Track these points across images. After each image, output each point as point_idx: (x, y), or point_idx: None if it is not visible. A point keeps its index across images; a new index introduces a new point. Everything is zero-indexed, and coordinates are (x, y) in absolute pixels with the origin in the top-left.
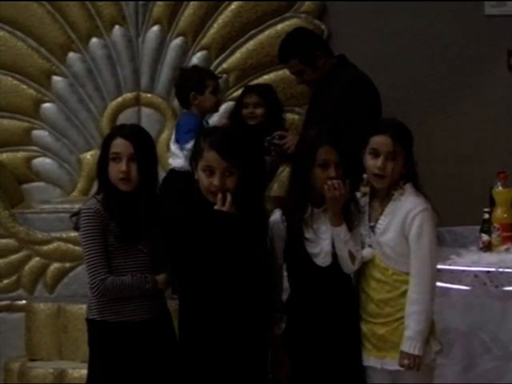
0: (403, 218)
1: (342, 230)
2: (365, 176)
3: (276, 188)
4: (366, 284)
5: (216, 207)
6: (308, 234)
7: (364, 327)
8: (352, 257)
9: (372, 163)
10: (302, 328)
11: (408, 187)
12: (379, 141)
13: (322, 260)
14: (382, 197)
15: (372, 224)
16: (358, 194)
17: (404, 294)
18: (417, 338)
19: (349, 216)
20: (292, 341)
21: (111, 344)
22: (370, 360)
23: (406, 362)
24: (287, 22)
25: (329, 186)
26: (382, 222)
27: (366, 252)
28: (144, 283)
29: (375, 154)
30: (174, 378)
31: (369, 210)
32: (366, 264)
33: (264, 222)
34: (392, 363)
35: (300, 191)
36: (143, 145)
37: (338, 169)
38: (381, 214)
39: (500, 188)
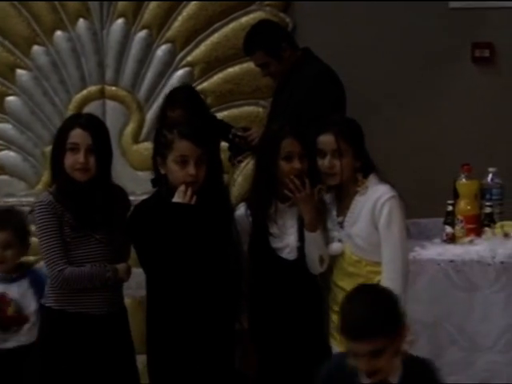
0: (372, 207)
1: (318, 236)
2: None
3: (241, 181)
4: (338, 278)
5: (175, 199)
6: (273, 229)
7: (336, 319)
8: (322, 260)
9: (320, 163)
10: (266, 321)
11: (371, 178)
12: (323, 140)
13: (288, 254)
14: (346, 192)
15: (340, 219)
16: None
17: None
18: None
19: (319, 213)
20: (258, 333)
21: (67, 334)
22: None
23: None
24: (252, 15)
25: (292, 188)
26: (351, 215)
27: (336, 247)
28: (104, 272)
29: (322, 153)
30: (126, 375)
31: (335, 204)
32: (337, 258)
33: (229, 212)
34: None
35: (265, 185)
36: (101, 135)
37: (303, 161)
38: (348, 208)
39: (464, 180)
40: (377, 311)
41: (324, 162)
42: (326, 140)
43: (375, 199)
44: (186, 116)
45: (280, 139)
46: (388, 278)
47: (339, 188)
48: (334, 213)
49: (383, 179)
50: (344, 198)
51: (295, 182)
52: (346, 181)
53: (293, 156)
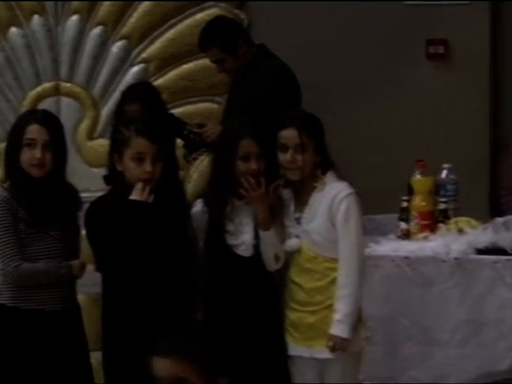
0: (329, 203)
1: (272, 234)
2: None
3: (196, 178)
4: (295, 274)
5: (132, 197)
6: (229, 227)
7: (292, 316)
8: (277, 258)
9: (282, 158)
10: (223, 317)
11: (329, 175)
12: (286, 134)
13: (243, 251)
14: (305, 188)
15: (297, 215)
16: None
17: (334, 281)
18: (345, 321)
19: (273, 210)
20: (215, 329)
21: (21, 331)
22: (298, 349)
23: (332, 344)
24: (207, 12)
25: (246, 187)
26: (309, 211)
27: (293, 242)
28: (59, 268)
29: (284, 148)
30: (80, 372)
31: (293, 200)
32: (294, 254)
33: (185, 209)
34: (321, 351)
35: (222, 183)
36: (57, 131)
37: (260, 161)
38: (306, 204)
39: (418, 176)
40: None
41: (286, 157)
42: (289, 135)
43: (333, 196)
44: (144, 111)
45: (238, 139)
46: (344, 275)
47: (297, 184)
48: (292, 209)
49: (341, 176)
50: (302, 193)
51: (250, 182)
52: (305, 176)
53: (250, 156)
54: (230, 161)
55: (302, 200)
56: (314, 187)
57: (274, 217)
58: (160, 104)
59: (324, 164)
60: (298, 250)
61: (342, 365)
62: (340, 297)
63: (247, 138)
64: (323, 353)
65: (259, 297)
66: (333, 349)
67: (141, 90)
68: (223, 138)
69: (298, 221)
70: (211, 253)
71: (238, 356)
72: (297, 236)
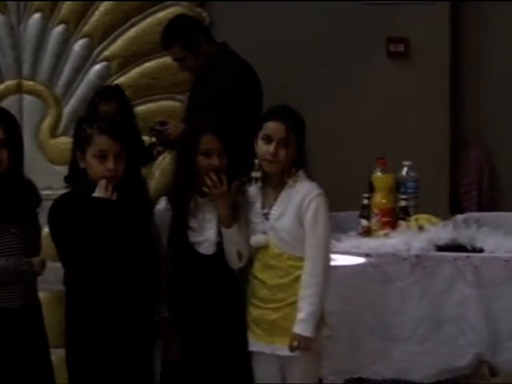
0: (299, 203)
1: (233, 232)
2: (256, 161)
3: (158, 175)
4: (259, 270)
5: (95, 194)
6: (192, 223)
7: (254, 312)
8: (240, 255)
9: (265, 149)
10: (186, 313)
11: (301, 174)
12: (273, 127)
13: (206, 249)
14: (276, 183)
15: (266, 211)
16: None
17: (297, 279)
18: (309, 321)
19: (236, 207)
20: (179, 325)
21: None
22: (259, 345)
23: (297, 343)
24: (169, 10)
25: (209, 184)
26: (277, 208)
27: (259, 238)
28: (19, 265)
29: (268, 139)
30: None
31: (262, 196)
32: (259, 250)
33: (148, 206)
34: (283, 349)
35: (184, 180)
36: (13, 129)
37: (222, 157)
38: (275, 200)
39: (379, 174)
40: None
41: (269, 149)
42: (277, 127)
43: (303, 195)
44: (120, 110)
45: (200, 135)
46: (309, 274)
47: (267, 178)
48: (259, 205)
49: (311, 176)
50: (272, 189)
51: (213, 178)
52: (282, 171)
53: (212, 152)
54: (192, 157)
55: (271, 196)
56: (285, 182)
57: (236, 214)
58: (130, 106)
59: (298, 163)
60: (264, 247)
61: (304, 362)
62: (304, 296)
63: (209, 134)
64: (285, 350)
65: (221, 294)
66: (296, 348)
67: (116, 91)
68: (185, 135)
69: (265, 216)
70: (174, 250)
71: (204, 351)
72: (264, 232)
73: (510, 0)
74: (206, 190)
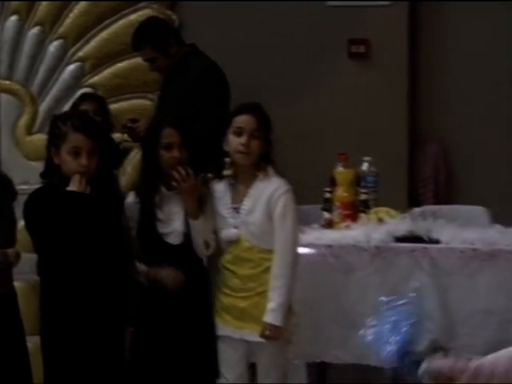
0: (268, 198)
1: (200, 223)
2: (227, 160)
3: (130, 171)
4: (230, 262)
5: (70, 188)
6: (160, 215)
7: (225, 300)
8: (207, 245)
9: (237, 141)
10: (155, 302)
11: (270, 169)
12: (244, 119)
13: (174, 239)
14: (246, 179)
15: (236, 206)
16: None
17: (267, 270)
18: (279, 310)
19: (202, 199)
20: (147, 314)
21: None
22: (228, 330)
23: (268, 332)
24: (140, 12)
25: (177, 178)
26: (247, 203)
27: (231, 233)
28: None
29: (239, 132)
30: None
31: (231, 192)
32: (230, 244)
33: (119, 199)
34: (251, 334)
35: (150, 173)
36: None
37: (182, 150)
38: (245, 196)
39: (341, 169)
40: None
41: (241, 140)
42: (248, 119)
43: (272, 191)
44: (99, 110)
45: (160, 129)
46: (279, 266)
47: (238, 173)
48: (229, 200)
49: (279, 173)
50: (242, 185)
51: (180, 173)
52: (253, 163)
53: (172, 146)
54: (155, 150)
55: (241, 192)
56: (255, 177)
57: (202, 206)
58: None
59: (266, 158)
60: (235, 240)
61: (272, 347)
62: (274, 287)
63: (168, 128)
64: (254, 336)
65: (189, 282)
66: (267, 336)
67: (96, 94)
68: (148, 130)
69: (236, 211)
70: (144, 241)
71: (172, 339)
72: (235, 227)
73: (466, 0)
74: (174, 183)
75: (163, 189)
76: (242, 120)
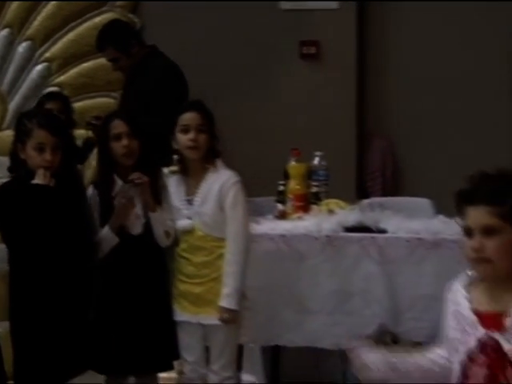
0: (219, 189)
1: (158, 215)
2: (175, 157)
3: (95, 165)
4: (185, 250)
5: (35, 181)
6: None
7: (181, 287)
8: (167, 234)
9: (185, 138)
10: (117, 289)
11: (218, 162)
12: (189, 117)
13: (134, 229)
14: (197, 172)
15: (189, 198)
16: (168, 171)
17: (220, 256)
18: (234, 295)
19: (158, 191)
20: (109, 301)
21: None
22: (186, 315)
23: (225, 316)
24: (104, 16)
25: (132, 179)
26: (200, 195)
27: (185, 223)
28: None
29: (186, 129)
30: None
31: (184, 185)
32: (185, 233)
33: (82, 192)
34: (207, 318)
35: (105, 166)
36: None
37: (131, 140)
38: (197, 188)
39: (293, 163)
40: None
41: (189, 136)
42: (192, 116)
43: (222, 183)
44: (63, 109)
45: (109, 122)
46: (232, 253)
47: (190, 167)
48: (183, 193)
49: (228, 166)
50: (194, 179)
51: (133, 176)
52: (202, 157)
53: (121, 135)
54: (107, 143)
55: (193, 185)
56: (206, 170)
57: (159, 198)
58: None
59: (214, 152)
60: (189, 230)
61: (225, 329)
62: (228, 273)
63: (117, 119)
64: (208, 319)
65: (149, 270)
66: (223, 320)
67: (61, 93)
68: (101, 125)
69: (189, 202)
70: None
71: (130, 324)
72: (189, 217)
73: (413, 0)
74: (129, 183)
75: (120, 181)
76: (187, 117)
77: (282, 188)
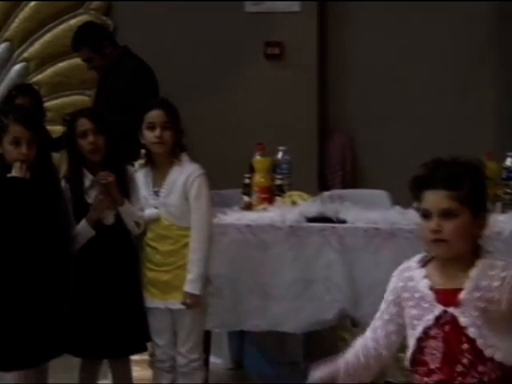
0: (184, 181)
1: (126, 207)
2: (142, 151)
3: None
4: (152, 239)
5: (11, 174)
6: (89, 200)
7: (149, 275)
8: (137, 224)
9: (151, 135)
10: (90, 277)
11: (183, 156)
12: (154, 114)
13: (105, 220)
14: (163, 165)
15: (156, 189)
16: (137, 165)
17: (185, 245)
18: (198, 281)
19: (126, 185)
20: (82, 289)
21: None
22: (155, 302)
23: (189, 301)
24: (79, 18)
25: (98, 179)
26: (166, 187)
27: (152, 213)
28: None
29: (152, 126)
30: None
31: (152, 178)
32: (152, 222)
33: (57, 185)
34: (175, 303)
35: (74, 161)
36: None
37: (97, 136)
38: (163, 180)
39: (258, 157)
40: None
41: (155, 133)
42: (157, 114)
43: (187, 175)
44: (33, 104)
45: (75, 120)
46: (196, 241)
47: (157, 161)
48: (150, 184)
49: (193, 159)
50: (160, 172)
51: (99, 176)
52: (168, 151)
53: (87, 132)
54: (74, 140)
55: (160, 177)
56: (173, 162)
57: (128, 191)
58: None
59: (180, 145)
60: (156, 219)
61: (192, 314)
62: (192, 260)
63: (83, 118)
64: (176, 304)
65: (121, 258)
66: (187, 304)
67: (31, 88)
68: (68, 123)
69: (156, 193)
70: (78, 222)
71: (104, 308)
72: (155, 207)
73: (370, 0)
74: (95, 182)
75: (90, 175)
76: (153, 115)
77: (247, 181)
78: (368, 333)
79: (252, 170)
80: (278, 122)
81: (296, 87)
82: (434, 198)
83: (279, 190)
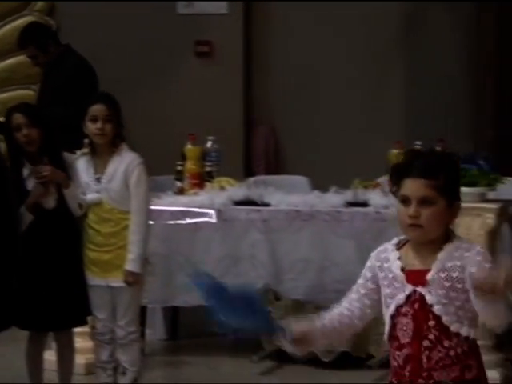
0: (124, 169)
1: (71, 190)
2: (85, 141)
3: None
4: (94, 222)
5: None
6: (29, 187)
7: (91, 255)
8: (80, 206)
9: (93, 126)
10: (35, 258)
11: (123, 145)
12: (97, 108)
13: (48, 204)
14: (105, 154)
15: (98, 176)
16: (79, 153)
17: (125, 227)
18: (138, 260)
19: (66, 171)
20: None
21: None
22: (96, 280)
23: (130, 278)
24: (24, 19)
25: (34, 175)
26: (108, 174)
27: (94, 197)
28: None
29: (94, 119)
30: None
31: (93, 165)
32: (94, 206)
33: (3, 170)
34: (115, 281)
35: (13, 152)
36: None
37: (31, 129)
38: (105, 167)
39: (190, 146)
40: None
41: (97, 126)
42: (100, 108)
43: (127, 163)
44: None
45: (10, 115)
46: (136, 224)
47: (98, 149)
48: (92, 171)
49: (131, 149)
50: (102, 160)
51: (37, 169)
52: (109, 142)
53: (20, 126)
54: (10, 133)
55: (101, 164)
56: (113, 152)
57: (71, 175)
58: None
59: (120, 136)
60: (98, 203)
61: (130, 291)
62: (133, 241)
63: (16, 113)
64: (116, 282)
65: (63, 239)
66: (128, 282)
67: None
68: (5, 117)
69: (98, 180)
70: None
71: (48, 285)
72: (97, 192)
73: (292, 0)
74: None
75: (28, 164)
76: (95, 109)
77: (180, 168)
78: (344, 303)
79: (184, 157)
80: (207, 115)
81: (224, 82)
82: (413, 186)
83: (209, 176)
